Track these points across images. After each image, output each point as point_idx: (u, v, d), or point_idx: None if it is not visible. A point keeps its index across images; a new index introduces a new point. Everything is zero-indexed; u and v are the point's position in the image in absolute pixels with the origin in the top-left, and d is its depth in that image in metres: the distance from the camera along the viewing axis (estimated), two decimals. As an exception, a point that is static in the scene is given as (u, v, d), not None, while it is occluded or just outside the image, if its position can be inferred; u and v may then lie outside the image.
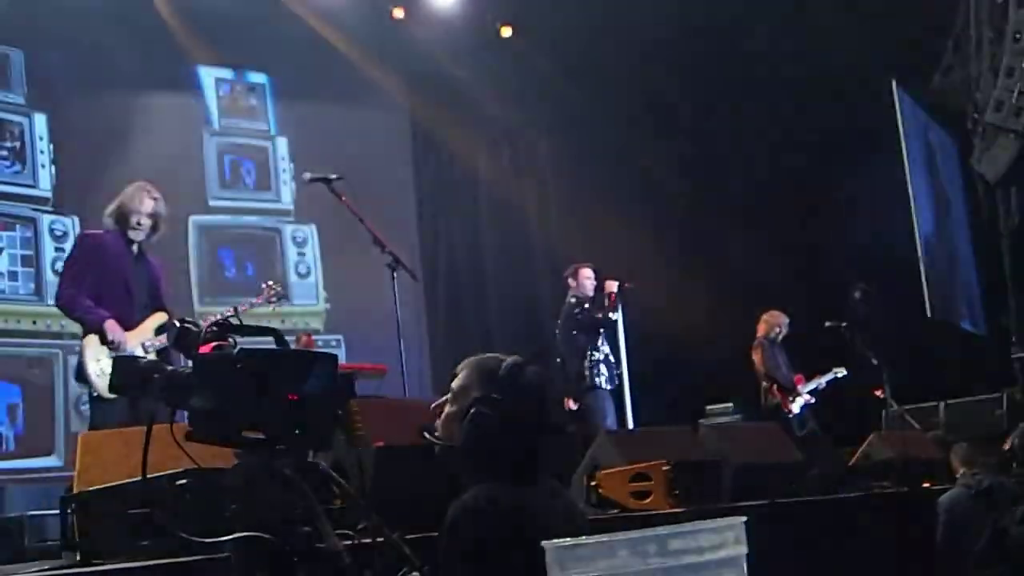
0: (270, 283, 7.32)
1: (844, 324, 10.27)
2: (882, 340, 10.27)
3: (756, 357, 10.27)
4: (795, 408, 10.13)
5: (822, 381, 10.44)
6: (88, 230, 6.57)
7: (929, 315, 10.91)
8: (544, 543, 0.85)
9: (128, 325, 6.28)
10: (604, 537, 0.82)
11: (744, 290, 11.14)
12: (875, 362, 10.17)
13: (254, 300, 7.22)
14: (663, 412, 9.62)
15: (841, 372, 10.50)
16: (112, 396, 5.96)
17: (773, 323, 10.41)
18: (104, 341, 6.18)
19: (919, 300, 10.89)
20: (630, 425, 9.13)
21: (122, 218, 6.44)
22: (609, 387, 8.97)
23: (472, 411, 2.62)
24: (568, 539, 0.83)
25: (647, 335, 9.97)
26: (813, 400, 10.31)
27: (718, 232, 11.66)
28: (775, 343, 10.38)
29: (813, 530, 5.62)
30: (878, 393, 10.18)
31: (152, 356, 6.12)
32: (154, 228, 6.52)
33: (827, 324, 10.29)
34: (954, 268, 12.54)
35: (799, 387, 10.28)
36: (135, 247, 6.50)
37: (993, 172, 10.11)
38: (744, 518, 0.84)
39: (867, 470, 7.49)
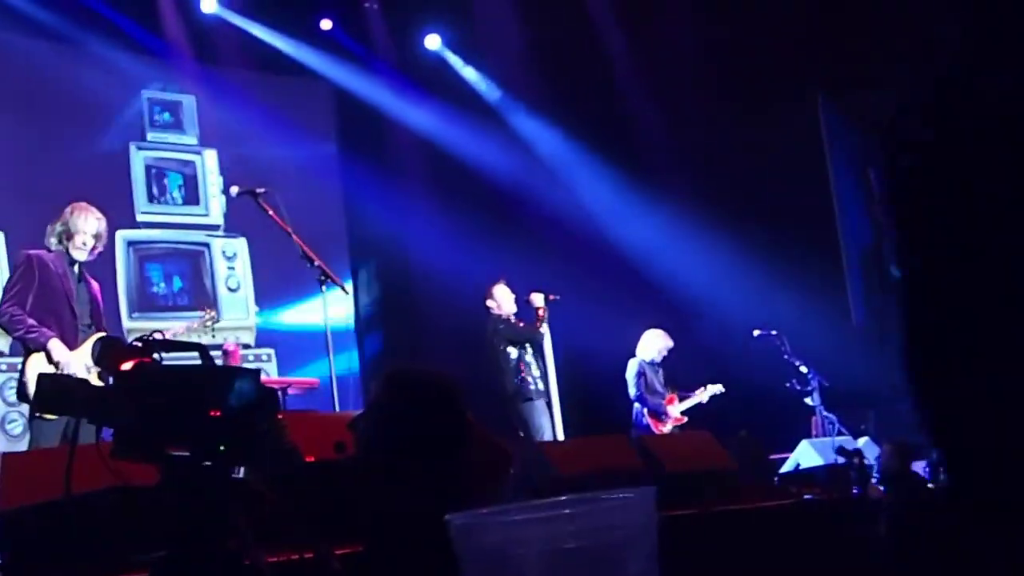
0: (207, 310, 7.39)
1: (774, 332, 10.38)
2: (812, 347, 10.40)
3: (628, 377, 10.11)
4: (666, 430, 10.03)
5: (698, 400, 10.27)
6: (30, 250, 6.52)
7: (854, 322, 11.06)
8: (448, 517, 0.85)
9: (72, 346, 6.25)
10: (506, 507, 0.82)
11: (672, 297, 11.19)
12: (804, 369, 10.30)
13: (190, 324, 7.29)
14: (595, 423, 9.66)
15: (717, 389, 10.35)
16: (50, 417, 5.94)
17: (651, 344, 10.19)
18: (50, 360, 6.14)
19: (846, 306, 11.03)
20: (561, 437, 9.12)
21: (68, 238, 6.42)
22: (542, 399, 8.97)
23: (383, 425, 2.60)
24: (470, 512, 0.84)
25: (575, 346, 9.96)
26: (686, 419, 10.12)
27: (646, 241, 11.71)
28: (653, 364, 10.16)
29: (746, 538, 5.65)
30: (807, 400, 10.30)
31: (94, 378, 6.08)
32: (96, 249, 6.53)
33: (756, 332, 10.40)
34: (885, 276, 12.71)
35: (669, 408, 10.11)
36: (77, 267, 6.48)
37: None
38: (654, 488, 0.85)
39: (797, 478, 7.58)
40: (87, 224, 6.46)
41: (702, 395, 10.30)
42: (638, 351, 10.17)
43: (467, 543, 0.79)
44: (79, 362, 6.17)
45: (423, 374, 2.74)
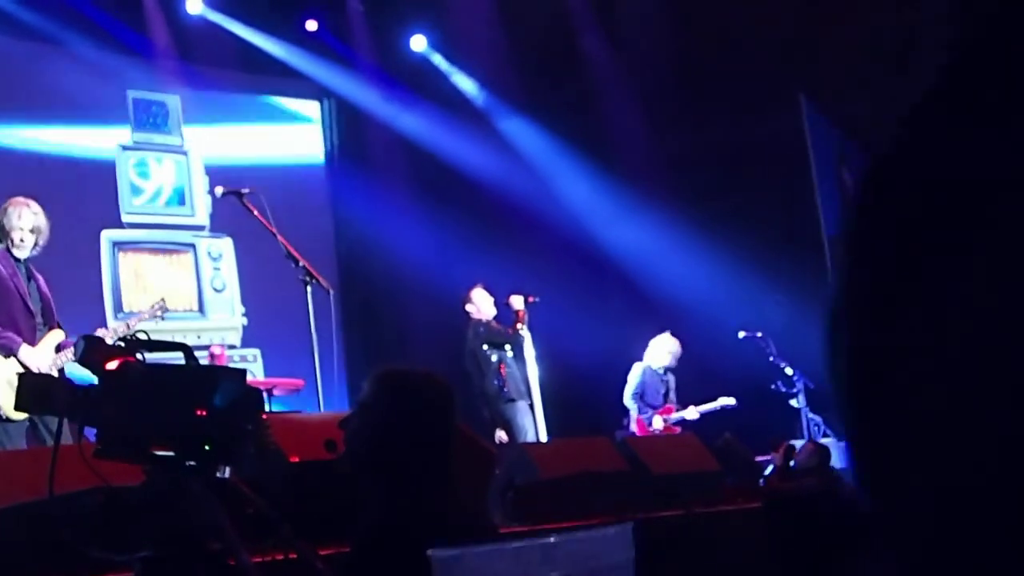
0: (159, 300, 7.34)
1: (759, 334, 10.41)
2: (798, 349, 10.42)
3: (628, 379, 10.10)
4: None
5: (694, 412, 10.15)
6: None
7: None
8: (430, 552, 0.85)
9: (31, 345, 6.23)
10: (489, 546, 0.83)
11: (655, 299, 11.21)
12: (789, 371, 10.33)
13: (140, 316, 7.24)
14: (577, 425, 9.67)
15: (726, 402, 10.29)
16: (16, 418, 5.91)
17: (659, 350, 10.18)
18: (20, 363, 6.10)
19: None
20: (544, 438, 9.14)
21: (4, 236, 6.37)
22: (524, 400, 9.00)
23: (374, 425, 2.60)
24: (454, 548, 0.84)
25: (557, 348, 9.96)
26: (679, 430, 9.90)
27: (629, 243, 11.73)
28: (661, 371, 10.17)
29: (731, 539, 5.66)
30: (793, 403, 10.33)
31: (55, 374, 6.07)
32: (38, 243, 6.45)
33: (741, 334, 10.42)
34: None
35: (661, 417, 10.07)
36: (23, 266, 6.43)
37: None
38: (631, 524, 0.85)
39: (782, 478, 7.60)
40: (21, 219, 6.36)
41: (708, 406, 10.24)
42: (645, 357, 10.16)
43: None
44: (42, 361, 6.16)
45: (415, 376, 2.74)
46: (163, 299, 7.39)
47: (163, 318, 7.38)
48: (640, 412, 9.97)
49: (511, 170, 11.79)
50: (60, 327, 6.44)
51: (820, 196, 11.29)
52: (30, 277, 6.47)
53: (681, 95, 11.58)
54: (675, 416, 10.09)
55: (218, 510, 2.32)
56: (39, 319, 6.39)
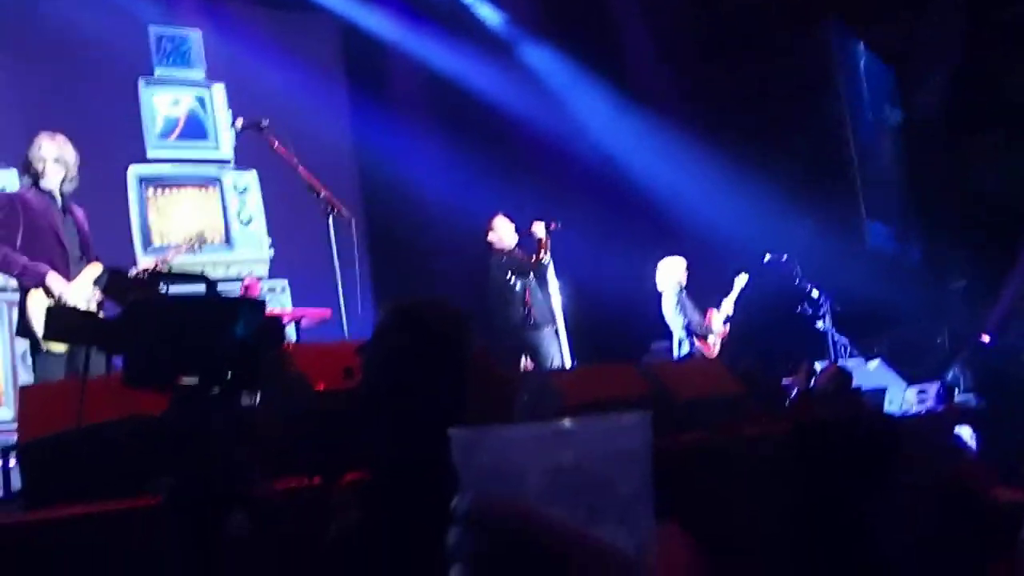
0: (194, 234, 7.45)
1: (785, 256, 10.40)
2: (824, 271, 10.42)
3: (666, 310, 10.18)
4: (716, 348, 10.13)
5: (729, 303, 10.38)
6: (10, 191, 6.55)
7: (868, 246, 11.06)
8: (451, 431, 0.88)
9: (66, 280, 6.28)
10: (509, 428, 0.86)
11: (680, 224, 11.19)
12: (816, 294, 10.33)
13: (177, 250, 7.36)
14: (602, 351, 9.71)
15: (742, 279, 10.40)
16: (56, 351, 6.02)
17: (672, 271, 10.23)
18: (48, 295, 6.18)
19: (857, 231, 11.03)
20: (568, 365, 9.19)
21: (31, 170, 6.44)
22: (549, 327, 9.04)
23: (386, 354, 2.59)
24: (474, 429, 0.87)
25: (581, 275, 9.98)
26: (729, 327, 10.28)
27: (653, 168, 11.70)
28: (680, 290, 10.23)
29: (753, 463, 5.69)
30: (819, 324, 10.35)
31: (93, 308, 6.16)
32: (67, 175, 6.51)
33: (767, 257, 10.41)
34: (891, 187, 12.70)
35: (711, 325, 10.23)
36: (59, 200, 6.49)
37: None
38: (650, 412, 0.88)
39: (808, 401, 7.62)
40: (45, 150, 6.45)
41: (733, 294, 10.36)
42: (665, 283, 10.19)
43: (467, 457, 0.83)
44: (77, 294, 6.22)
45: (428, 305, 2.72)
46: (201, 232, 7.49)
47: (199, 251, 7.48)
48: (694, 331, 10.05)
49: (533, 99, 11.75)
50: (99, 261, 6.52)
51: (850, 119, 11.22)
52: (66, 211, 6.54)
53: (706, 19, 11.48)
54: (718, 318, 10.21)
55: (243, 438, 2.36)
56: (75, 253, 6.46)
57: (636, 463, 0.87)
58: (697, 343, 10.04)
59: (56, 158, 6.46)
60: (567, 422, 0.86)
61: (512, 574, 0.82)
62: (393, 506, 2.38)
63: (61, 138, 6.55)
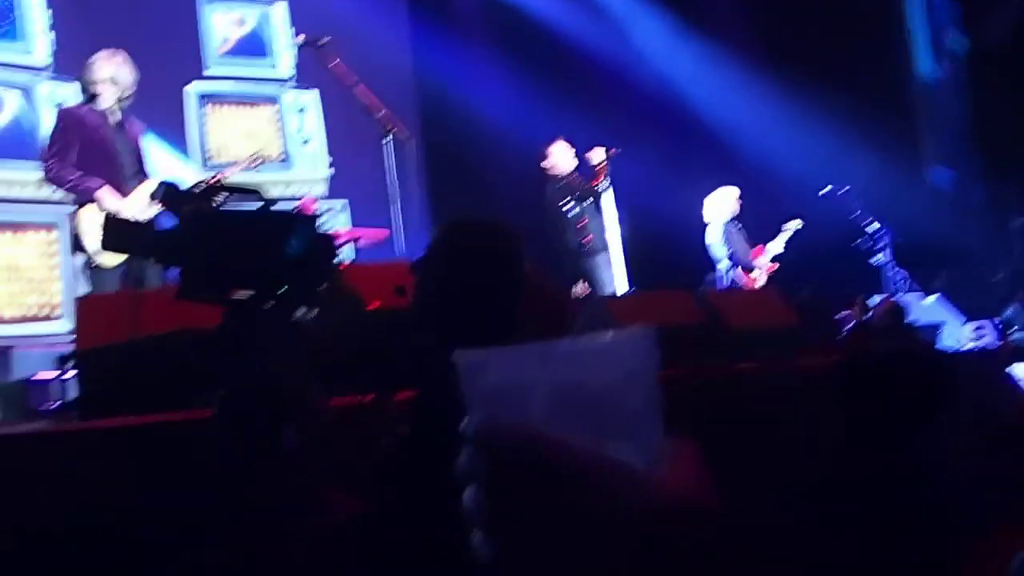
0: (252, 152, 7.49)
1: (845, 189, 10.25)
2: (884, 204, 10.28)
3: (710, 240, 10.09)
4: (760, 283, 10.01)
5: (779, 244, 10.30)
6: (66, 107, 6.59)
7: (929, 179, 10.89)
8: (455, 355, 0.88)
9: (121, 196, 6.34)
10: (515, 347, 0.85)
11: (739, 154, 11.07)
12: (875, 227, 10.19)
13: (235, 164, 7.40)
14: (659, 278, 9.66)
15: (796, 225, 10.32)
16: (109, 265, 6.08)
17: (724, 201, 10.13)
18: (101, 210, 6.23)
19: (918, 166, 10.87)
20: (624, 291, 9.15)
21: (87, 88, 6.48)
22: (604, 253, 9.00)
23: (436, 274, 2.57)
24: (479, 351, 0.87)
25: (639, 201, 9.89)
26: (777, 265, 10.21)
27: (713, 96, 11.56)
28: (732, 221, 10.12)
29: (802, 396, 5.66)
30: (879, 257, 10.22)
31: None
32: (123, 93, 6.53)
33: (826, 189, 10.26)
34: (954, 123, 12.46)
35: (757, 261, 10.16)
36: (114, 117, 6.52)
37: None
38: (655, 328, 0.87)
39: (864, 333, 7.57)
40: (101, 70, 6.47)
41: (784, 235, 10.27)
42: (713, 213, 10.12)
43: (474, 378, 0.82)
44: (132, 210, 6.26)
45: (482, 224, 2.70)
46: (259, 151, 7.52)
47: (257, 169, 7.52)
48: (738, 262, 10.00)
49: (595, 24, 11.61)
50: (154, 176, 6.57)
51: (914, 52, 10.99)
52: (121, 128, 6.57)
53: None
54: (767, 255, 10.14)
55: (294, 353, 2.37)
56: (130, 170, 6.49)
57: (642, 379, 0.87)
58: (741, 275, 9.97)
59: (112, 78, 6.48)
60: (572, 340, 0.85)
61: (524, 493, 0.82)
62: (440, 423, 2.38)
63: (120, 57, 6.56)
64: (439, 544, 1.63)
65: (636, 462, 0.84)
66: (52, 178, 6.42)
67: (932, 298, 9.46)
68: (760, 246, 10.20)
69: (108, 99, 6.48)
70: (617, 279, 9.11)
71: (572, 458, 0.82)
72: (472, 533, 0.84)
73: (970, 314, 9.13)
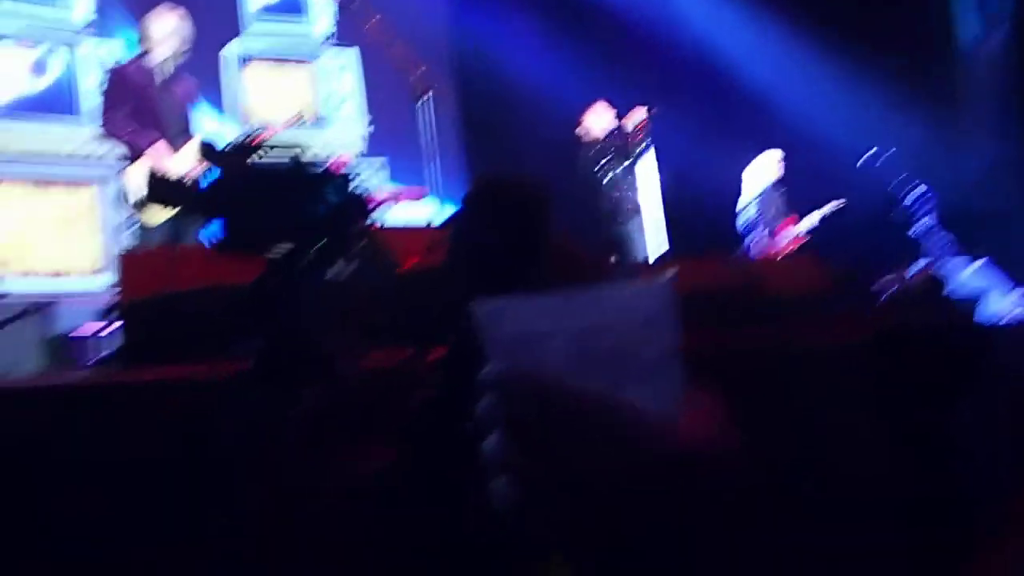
0: (297, 112, 7.52)
1: (890, 151, 10.14)
2: (930, 170, 10.18)
3: (743, 204, 10.03)
4: (785, 251, 9.89)
5: (815, 218, 10.14)
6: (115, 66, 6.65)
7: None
8: (472, 304, 0.90)
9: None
10: (532, 297, 0.87)
11: (780, 116, 10.98)
12: (920, 190, 10.08)
13: (275, 125, 7.45)
14: (700, 242, 9.63)
15: (837, 204, 10.17)
16: (152, 223, 6.16)
17: (763, 168, 10.06)
18: (153, 165, 6.28)
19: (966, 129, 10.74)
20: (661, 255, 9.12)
21: (142, 43, 6.56)
22: (636, 220, 8.97)
23: (466, 228, 2.59)
24: (497, 300, 0.88)
25: (680, 163, 9.84)
26: (807, 239, 10.01)
27: (755, 58, 11.45)
28: (770, 187, 10.04)
29: (831, 367, 5.64)
30: (920, 223, 10.12)
31: None
32: (176, 51, 6.59)
33: (870, 152, 10.15)
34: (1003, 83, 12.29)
35: (789, 231, 10.05)
36: (164, 74, 6.57)
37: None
38: (672, 273, 0.89)
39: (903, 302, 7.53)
40: (153, 28, 6.56)
41: (822, 211, 10.18)
42: (750, 179, 10.06)
43: (492, 327, 0.84)
44: (178, 166, 6.31)
45: (508, 181, 2.71)
46: (297, 110, 7.55)
47: (295, 128, 7.57)
48: (765, 229, 9.93)
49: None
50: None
51: (961, 9, 10.84)
52: (167, 86, 6.62)
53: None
54: (799, 226, 10.05)
55: (329, 308, 2.40)
56: (176, 128, 6.53)
57: (660, 327, 0.88)
58: (767, 240, 9.90)
59: (163, 36, 6.55)
60: (590, 289, 0.87)
61: (545, 439, 0.84)
62: (465, 374, 2.40)
63: (174, 15, 6.63)
64: (462, 494, 1.66)
65: (655, 408, 0.86)
66: (108, 132, 6.47)
67: (977, 264, 9.38)
68: (795, 215, 10.12)
69: (161, 54, 6.54)
70: (651, 244, 9.09)
71: (591, 404, 0.84)
72: (494, 480, 0.86)
73: (1017, 281, 9.06)
